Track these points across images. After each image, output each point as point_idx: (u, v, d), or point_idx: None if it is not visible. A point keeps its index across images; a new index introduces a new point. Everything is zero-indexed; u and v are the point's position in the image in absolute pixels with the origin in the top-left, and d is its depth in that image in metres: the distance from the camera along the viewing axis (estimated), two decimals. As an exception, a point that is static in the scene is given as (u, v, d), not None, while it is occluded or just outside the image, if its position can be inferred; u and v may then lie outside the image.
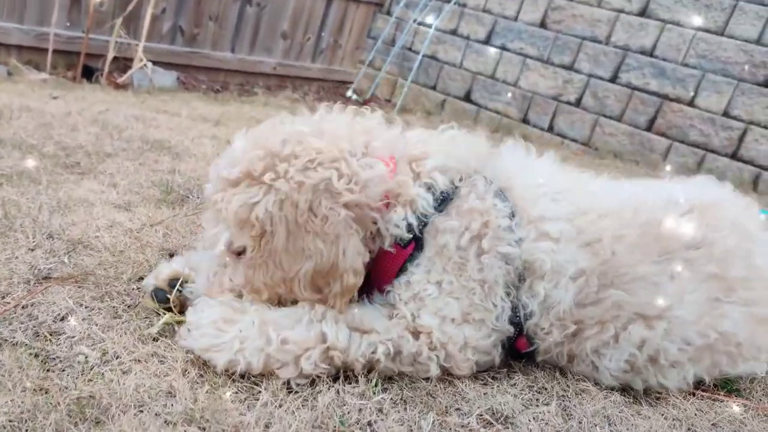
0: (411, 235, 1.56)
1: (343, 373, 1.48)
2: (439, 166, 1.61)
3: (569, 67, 6.70)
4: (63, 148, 3.01)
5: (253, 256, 1.51)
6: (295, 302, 1.54)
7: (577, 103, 6.64)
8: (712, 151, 5.81)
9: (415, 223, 1.55)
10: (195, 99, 5.96)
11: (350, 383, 1.46)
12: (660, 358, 1.58)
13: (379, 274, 1.61)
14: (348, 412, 1.34)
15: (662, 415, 1.54)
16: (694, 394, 1.67)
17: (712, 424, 1.55)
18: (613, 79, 6.44)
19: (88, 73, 6.11)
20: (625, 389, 1.64)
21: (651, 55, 6.16)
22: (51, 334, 1.48)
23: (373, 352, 1.46)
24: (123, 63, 6.41)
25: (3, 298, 1.59)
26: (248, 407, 1.31)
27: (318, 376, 1.44)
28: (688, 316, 1.58)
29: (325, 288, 1.49)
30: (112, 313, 1.61)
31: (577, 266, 1.57)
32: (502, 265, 1.55)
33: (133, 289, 1.76)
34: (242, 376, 1.43)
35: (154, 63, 6.57)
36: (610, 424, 1.47)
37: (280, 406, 1.33)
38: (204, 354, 1.43)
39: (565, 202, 1.66)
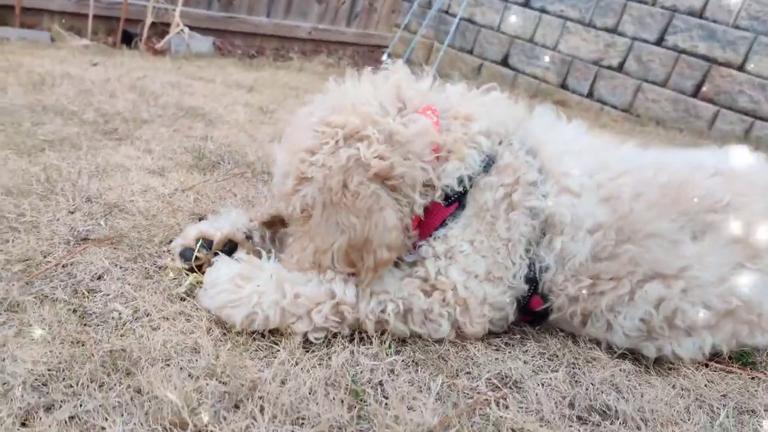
0: (461, 190, 1.62)
1: (358, 335, 1.55)
2: (484, 130, 1.67)
3: (612, 30, 6.50)
4: (102, 115, 3.12)
5: (296, 232, 1.63)
6: None
7: (620, 67, 6.46)
8: (761, 119, 5.61)
9: (466, 178, 1.61)
10: (230, 65, 6.03)
11: (364, 345, 1.52)
12: (677, 319, 1.59)
13: (422, 229, 1.66)
14: (360, 372, 1.41)
15: (671, 384, 1.57)
16: (707, 365, 1.69)
17: (722, 395, 1.56)
18: (659, 42, 6.23)
19: (128, 39, 6.24)
20: (636, 359, 1.66)
21: (700, 16, 5.93)
22: (88, 292, 1.59)
23: (382, 311, 1.53)
24: (161, 28, 6.51)
25: (45, 257, 1.70)
26: (267, 365, 1.39)
27: (334, 336, 1.52)
28: (707, 277, 1.58)
29: (358, 262, 1.53)
30: (144, 274, 1.71)
31: (595, 220, 1.60)
32: (528, 221, 1.61)
33: (164, 251, 1.86)
34: (262, 335, 1.51)
35: (191, 28, 6.65)
36: (617, 392, 1.50)
37: (297, 364, 1.41)
38: (221, 311, 1.51)
39: (588, 159, 1.70)
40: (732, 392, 1.57)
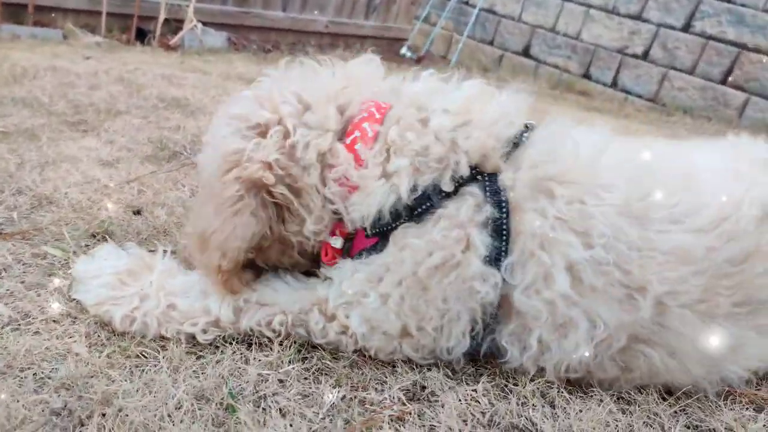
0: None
1: (256, 339, 1.38)
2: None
3: (636, 17, 6.17)
4: (74, 106, 3.03)
5: None
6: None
7: (644, 55, 6.12)
8: (794, 106, 5.21)
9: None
10: (240, 59, 5.94)
11: (263, 350, 1.35)
12: None
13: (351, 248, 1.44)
14: (246, 382, 1.23)
15: (613, 399, 1.34)
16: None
17: (676, 412, 1.32)
18: (686, 28, 5.87)
19: (141, 36, 6.23)
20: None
21: (728, 0, 5.54)
22: (-21, 290, 1.46)
23: (268, 323, 1.35)
24: (175, 25, 6.49)
25: (-57, 252, 1.59)
26: (138, 374, 1.23)
27: (230, 342, 1.35)
28: None
29: (199, 254, 1.38)
30: (47, 271, 1.58)
31: None
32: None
33: (81, 245, 1.73)
34: (151, 339, 1.35)
35: (206, 24, 6.60)
36: (550, 406, 1.28)
37: (175, 371, 1.25)
38: (99, 308, 1.37)
39: None
40: (691, 407, 1.33)
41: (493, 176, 1.29)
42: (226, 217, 1.29)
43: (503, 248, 1.24)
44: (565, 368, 1.30)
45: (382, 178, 1.29)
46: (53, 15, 6.05)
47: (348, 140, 1.35)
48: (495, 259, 1.24)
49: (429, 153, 1.28)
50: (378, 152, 1.31)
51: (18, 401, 1.09)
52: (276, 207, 1.33)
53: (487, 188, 1.28)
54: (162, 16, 6.25)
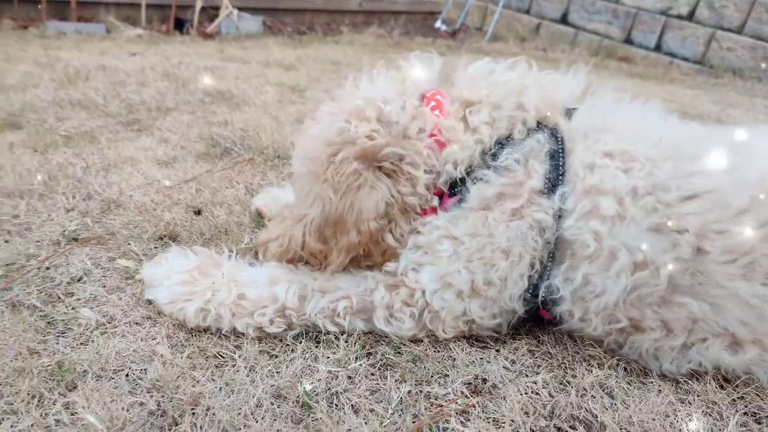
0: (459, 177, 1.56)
1: (324, 337, 1.46)
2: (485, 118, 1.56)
3: (680, -24, 5.95)
4: (127, 106, 3.15)
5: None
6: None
7: (690, 16, 5.92)
8: None
9: (462, 164, 1.57)
10: (277, 43, 5.99)
11: (330, 348, 1.43)
12: None
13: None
14: (318, 381, 1.32)
15: (675, 388, 1.37)
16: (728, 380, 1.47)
17: (734, 400, 1.35)
18: (733, -14, 5.65)
19: (180, 26, 6.33)
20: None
21: (778, -47, 5.31)
22: (64, 295, 1.57)
23: (333, 310, 1.44)
24: (211, 12, 6.57)
25: (28, 260, 1.71)
26: (219, 375, 1.32)
27: (297, 339, 1.44)
28: None
29: (331, 240, 1.49)
30: (125, 274, 1.69)
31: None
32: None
33: (151, 248, 1.83)
34: (225, 336, 1.45)
35: (241, 9, 6.67)
36: (609, 397, 1.33)
37: (251, 371, 1.33)
38: (173, 306, 1.48)
39: None
40: (749, 395, 1.35)
41: (554, 126, 1.48)
42: (350, 195, 1.43)
43: (560, 175, 1.39)
44: (608, 314, 1.37)
45: (468, 131, 1.49)
46: (95, 9, 6.20)
47: (428, 106, 1.55)
48: (552, 186, 1.38)
49: (502, 108, 1.48)
50: (457, 111, 1.53)
51: (117, 403, 1.19)
52: (387, 177, 1.47)
53: (548, 132, 1.46)
54: (199, 5, 6.33)
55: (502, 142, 1.46)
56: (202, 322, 1.46)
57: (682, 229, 1.29)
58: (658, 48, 6.26)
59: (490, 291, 1.42)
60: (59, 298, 1.57)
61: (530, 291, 1.43)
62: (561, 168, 1.40)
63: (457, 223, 1.44)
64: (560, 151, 1.42)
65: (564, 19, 7.02)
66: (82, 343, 1.40)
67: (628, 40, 6.46)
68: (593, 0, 6.70)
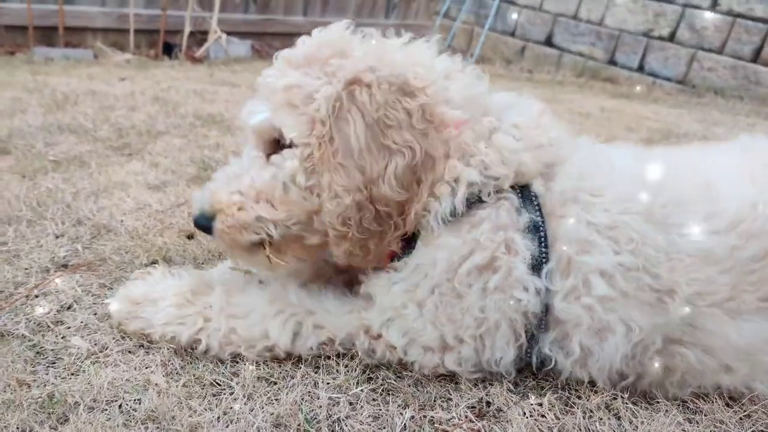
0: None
1: (323, 362, 1.43)
2: None
3: (661, -1, 6.07)
4: (117, 130, 3.12)
5: (318, 157, 1.33)
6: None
7: (671, 37, 6.03)
8: (830, 82, 5.10)
9: None
10: (266, 67, 6.00)
11: (330, 374, 1.40)
12: None
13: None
14: (318, 407, 1.28)
15: (682, 407, 1.36)
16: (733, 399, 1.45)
17: (741, 418, 1.34)
18: (712, 7, 5.78)
19: (169, 50, 6.33)
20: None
21: (756, -24, 5.45)
22: (54, 324, 1.53)
23: (318, 352, 1.44)
24: (200, 37, 6.58)
25: (16, 288, 1.67)
26: (216, 404, 1.29)
27: (296, 364, 1.41)
28: None
29: (413, 185, 1.31)
30: (115, 301, 1.65)
31: None
32: None
33: (143, 274, 1.79)
34: (221, 362, 1.42)
35: (229, 33, 6.69)
36: (615, 419, 1.31)
37: (249, 400, 1.30)
38: (165, 328, 1.44)
39: None
40: (756, 413, 1.34)
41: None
42: (428, 136, 1.30)
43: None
44: (613, 371, 1.35)
45: None
46: (83, 35, 6.19)
47: None
48: None
49: None
50: None
51: (111, 437, 1.15)
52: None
53: None
54: (187, 30, 6.34)
55: None
56: (192, 346, 1.43)
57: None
58: (641, 68, 6.36)
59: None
60: (49, 326, 1.52)
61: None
62: None
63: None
64: None
65: (549, 41, 7.12)
66: (73, 374, 1.36)
67: (612, 61, 6.57)
68: (577, 23, 6.81)
